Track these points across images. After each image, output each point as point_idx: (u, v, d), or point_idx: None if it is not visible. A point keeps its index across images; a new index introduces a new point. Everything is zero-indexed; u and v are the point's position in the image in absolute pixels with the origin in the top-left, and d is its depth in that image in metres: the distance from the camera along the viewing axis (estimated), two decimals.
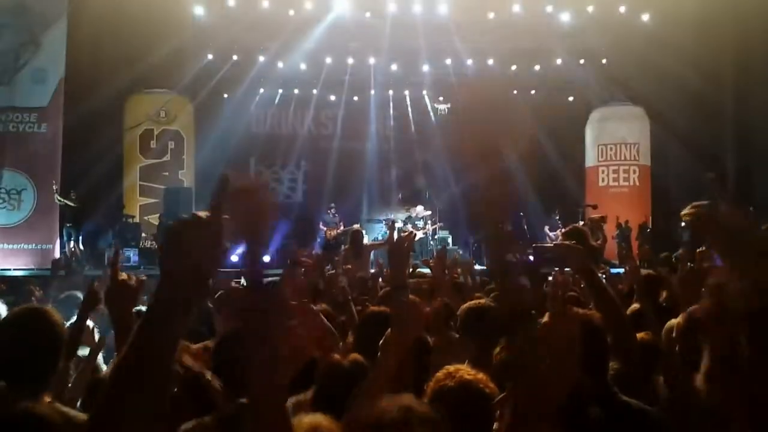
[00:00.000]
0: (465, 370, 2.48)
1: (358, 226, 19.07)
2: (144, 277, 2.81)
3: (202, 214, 1.40)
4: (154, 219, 18.31)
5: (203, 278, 1.39)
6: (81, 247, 16.53)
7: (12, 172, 15.73)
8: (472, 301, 4.14)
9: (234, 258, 2.52)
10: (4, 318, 2.92)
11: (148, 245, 17.56)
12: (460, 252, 18.44)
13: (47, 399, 2.59)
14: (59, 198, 15.83)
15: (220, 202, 1.41)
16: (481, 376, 2.45)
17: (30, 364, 2.70)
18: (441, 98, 22.07)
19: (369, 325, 3.55)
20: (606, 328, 2.81)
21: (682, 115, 18.69)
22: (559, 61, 20.33)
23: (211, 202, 1.41)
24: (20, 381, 2.67)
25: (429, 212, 18.93)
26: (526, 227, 19.60)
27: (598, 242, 9.16)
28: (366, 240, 12.81)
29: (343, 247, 18.03)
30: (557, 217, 18.75)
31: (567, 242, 3.55)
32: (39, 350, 2.73)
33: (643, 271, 6.17)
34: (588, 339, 2.73)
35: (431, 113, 22.35)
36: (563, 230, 6.21)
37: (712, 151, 18.92)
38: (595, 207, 17.19)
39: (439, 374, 2.50)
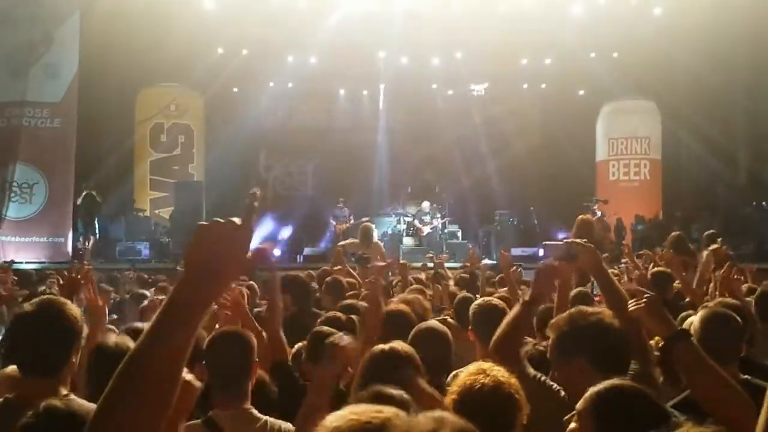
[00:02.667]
0: (499, 371, 2.49)
1: (368, 219, 19.15)
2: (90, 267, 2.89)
3: (236, 220, 1.43)
4: (165, 213, 18.38)
5: (226, 280, 1.43)
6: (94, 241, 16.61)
7: (24, 166, 15.81)
8: (484, 299, 4.18)
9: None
10: (22, 309, 2.93)
11: (160, 239, 17.64)
12: (470, 246, 18.44)
13: (64, 391, 2.61)
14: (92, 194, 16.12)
15: (251, 215, 1.46)
16: (514, 381, 2.46)
17: (45, 355, 2.72)
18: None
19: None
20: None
21: (693, 109, 18.62)
22: (570, 55, 20.24)
23: (243, 215, 1.45)
24: (36, 373, 2.70)
25: (438, 206, 18.91)
26: (536, 222, 19.60)
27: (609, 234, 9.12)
28: (375, 235, 12.77)
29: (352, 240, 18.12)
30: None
31: (578, 240, 3.55)
32: (54, 342, 2.75)
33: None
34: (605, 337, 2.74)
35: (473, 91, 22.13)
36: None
37: (724, 145, 18.83)
38: (605, 202, 17.14)
39: (472, 368, 2.51)
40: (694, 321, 3.39)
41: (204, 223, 1.43)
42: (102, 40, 16.09)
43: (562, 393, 2.80)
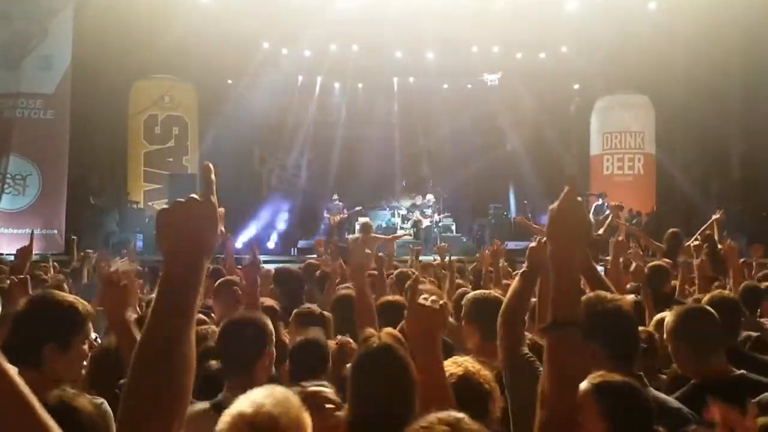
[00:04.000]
0: (470, 362, 2.51)
1: (361, 208, 19.20)
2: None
3: (195, 196, 1.46)
4: (158, 205, 18.35)
5: (201, 255, 1.44)
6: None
7: (17, 158, 15.78)
8: (477, 291, 4.20)
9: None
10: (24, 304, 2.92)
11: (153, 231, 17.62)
12: (464, 240, 18.50)
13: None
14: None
15: (210, 188, 1.48)
16: (484, 372, 2.47)
17: (25, 346, 2.71)
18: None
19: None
20: None
21: (687, 103, 18.67)
22: (564, 49, 20.27)
23: (202, 190, 1.48)
24: (35, 366, 2.70)
25: (433, 200, 18.94)
26: (530, 215, 19.64)
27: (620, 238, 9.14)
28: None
29: (348, 234, 18.17)
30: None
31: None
32: (52, 335, 2.75)
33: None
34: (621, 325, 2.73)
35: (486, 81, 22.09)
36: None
37: (718, 140, 18.89)
38: (605, 197, 17.18)
39: (446, 362, 2.53)
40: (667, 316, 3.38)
41: (164, 206, 1.47)
42: (96, 31, 16.02)
43: None
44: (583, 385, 2.11)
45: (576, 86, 21.74)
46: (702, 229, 8.47)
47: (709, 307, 3.34)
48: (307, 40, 19.66)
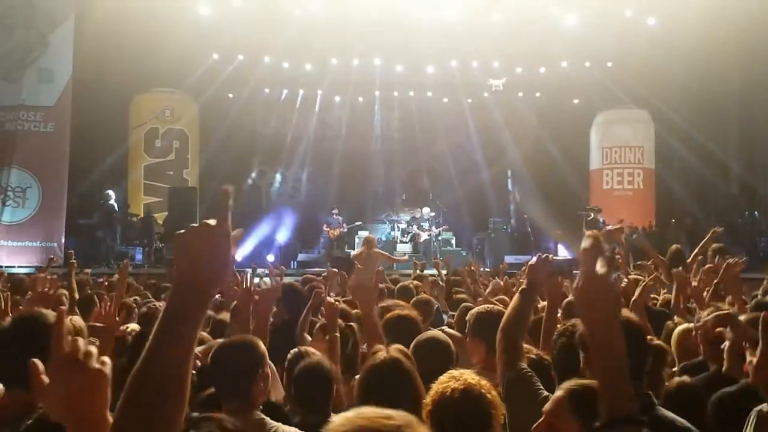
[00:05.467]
0: (469, 375, 2.51)
1: (361, 223, 19.22)
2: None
3: (211, 221, 1.44)
4: (159, 218, 18.35)
5: (213, 283, 1.44)
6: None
7: (18, 170, 15.79)
8: (482, 306, 4.22)
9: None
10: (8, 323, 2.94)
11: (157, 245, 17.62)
12: (464, 253, 18.48)
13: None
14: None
15: (225, 213, 1.45)
16: (485, 382, 2.47)
17: (18, 368, 2.71)
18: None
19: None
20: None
21: (686, 118, 18.72)
22: (564, 64, 20.36)
23: (218, 214, 1.45)
24: (12, 385, 2.70)
25: (433, 213, 18.94)
26: (530, 229, 19.66)
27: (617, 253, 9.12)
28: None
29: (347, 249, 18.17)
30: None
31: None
32: (26, 355, 2.75)
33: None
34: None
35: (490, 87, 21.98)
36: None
37: (717, 155, 18.92)
38: (599, 211, 17.21)
39: (444, 376, 2.53)
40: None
41: (180, 231, 1.45)
42: (97, 44, 16.08)
43: (545, 393, 2.81)
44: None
45: (576, 101, 21.80)
46: (702, 243, 8.44)
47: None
48: (308, 54, 19.73)
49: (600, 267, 1.77)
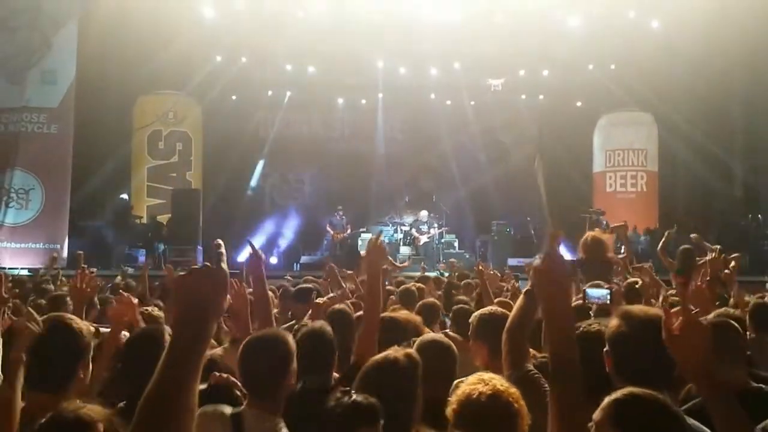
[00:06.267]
0: (498, 380, 2.50)
1: (364, 230, 19.20)
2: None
3: (210, 265, 1.64)
4: (162, 219, 18.36)
5: (208, 323, 1.60)
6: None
7: (21, 172, 15.80)
8: (484, 309, 4.21)
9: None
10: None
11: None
12: (467, 256, 18.46)
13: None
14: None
15: (219, 261, 1.65)
16: (513, 390, 2.46)
17: (48, 371, 2.77)
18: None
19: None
20: None
21: (690, 121, 18.69)
22: (567, 67, 20.33)
23: (212, 262, 1.65)
24: (39, 388, 2.73)
25: (435, 215, 18.93)
26: (533, 232, 19.63)
27: (623, 255, 9.03)
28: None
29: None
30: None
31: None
32: (61, 357, 2.81)
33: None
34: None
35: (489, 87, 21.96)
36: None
37: (721, 158, 18.90)
38: (602, 213, 17.18)
39: (472, 378, 2.53)
40: None
41: (181, 273, 1.66)
42: (100, 47, 16.11)
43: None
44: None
45: (579, 103, 21.78)
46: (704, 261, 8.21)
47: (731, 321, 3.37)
48: (311, 56, 19.74)
49: (558, 253, 2.40)
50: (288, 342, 3.12)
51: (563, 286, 2.39)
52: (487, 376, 2.53)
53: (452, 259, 13.56)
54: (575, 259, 5.88)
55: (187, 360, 1.54)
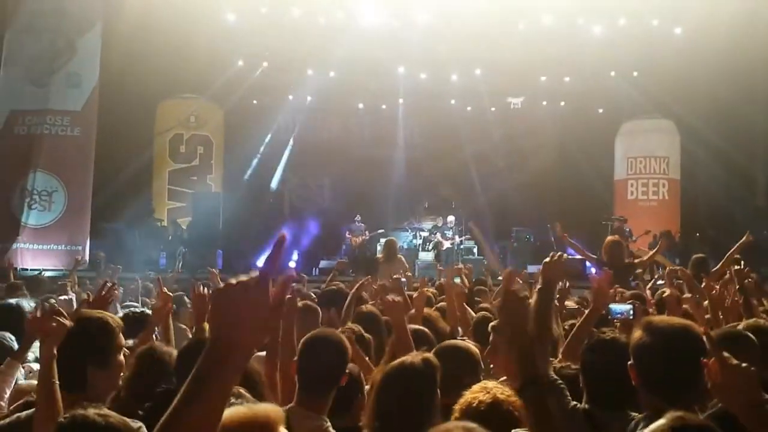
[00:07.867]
0: (500, 389, 2.50)
1: (383, 232, 19.14)
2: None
3: (251, 278, 1.37)
4: (182, 223, 18.47)
5: (250, 346, 1.38)
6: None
7: (44, 174, 15.94)
8: (483, 312, 4.21)
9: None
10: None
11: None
12: (486, 262, 18.39)
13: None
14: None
15: (272, 267, 1.40)
16: (514, 398, 2.45)
17: (66, 371, 2.78)
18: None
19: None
20: None
21: (713, 129, 18.50)
22: (589, 73, 20.23)
23: (263, 268, 1.39)
24: (64, 388, 2.75)
25: (454, 221, 18.87)
26: (553, 239, 19.51)
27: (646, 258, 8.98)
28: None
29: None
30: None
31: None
32: (75, 357, 2.82)
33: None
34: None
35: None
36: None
37: (743, 166, 18.72)
38: (625, 221, 17.08)
39: (476, 386, 2.53)
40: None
41: (219, 287, 1.38)
42: (123, 51, 16.23)
43: (573, 403, 2.79)
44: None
45: (600, 110, 21.67)
46: (729, 253, 8.11)
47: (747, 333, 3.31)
48: (332, 62, 19.79)
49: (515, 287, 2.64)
50: (347, 346, 3.16)
51: (522, 314, 2.42)
52: (490, 384, 2.53)
53: (469, 265, 13.40)
54: (582, 258, 5.89)
55: (213, 387, 1.32)
